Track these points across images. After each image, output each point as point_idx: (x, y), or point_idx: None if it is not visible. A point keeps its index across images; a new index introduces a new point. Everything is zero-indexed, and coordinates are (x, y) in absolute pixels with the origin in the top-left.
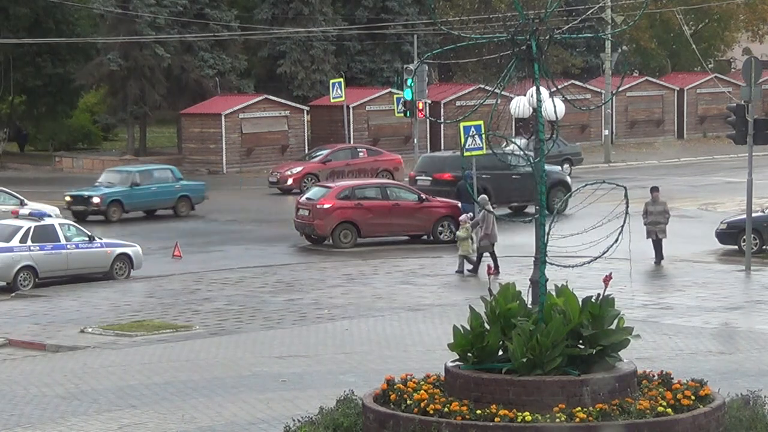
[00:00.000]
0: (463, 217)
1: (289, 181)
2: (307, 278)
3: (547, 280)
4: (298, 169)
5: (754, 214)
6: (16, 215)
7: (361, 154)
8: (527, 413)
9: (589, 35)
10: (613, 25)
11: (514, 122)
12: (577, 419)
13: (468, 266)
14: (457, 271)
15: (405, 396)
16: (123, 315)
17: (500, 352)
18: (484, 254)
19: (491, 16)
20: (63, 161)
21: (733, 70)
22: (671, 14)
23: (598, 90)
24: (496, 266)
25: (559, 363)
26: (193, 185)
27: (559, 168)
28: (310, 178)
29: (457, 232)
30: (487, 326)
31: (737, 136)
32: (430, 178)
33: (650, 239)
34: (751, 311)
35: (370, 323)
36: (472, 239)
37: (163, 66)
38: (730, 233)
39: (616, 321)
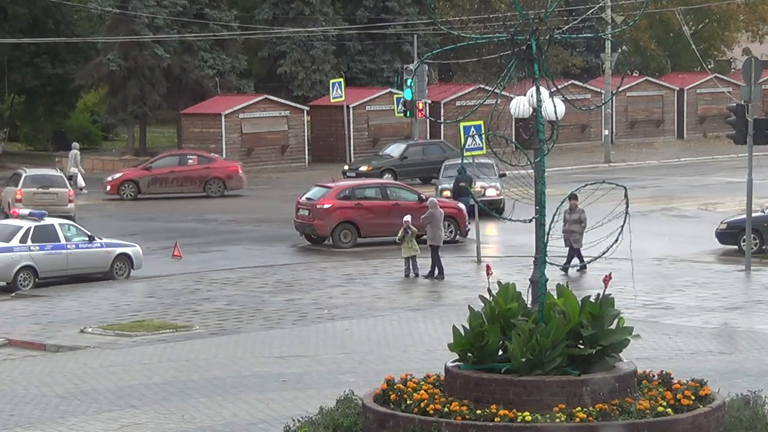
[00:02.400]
0: (407, 218)
1: (108, 188)
2: (307, 278)
3: (547, 280)
4: (118, 175)
5: (754, 214)
6: (16, 215)
7: (190, 161)
8: (527, 413)
9: (589, 35)
10: (613, 25)
11: (514, 122)
12: (577, 419)
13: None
14: (405, 276)
15: (405, 396)
16: (123, 315)
17: (500, 352)
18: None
19: (491, 16)
20: (63, 161)
21: (733, 70)
22: (671, 14)
23: (598, 90)
24: (438, 271)
25: (559, 363)
26: None
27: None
28: (128, 185)
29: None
30: (486, 326)
31: (737, 136)
32: None
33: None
34: (751, 311)
35: (370, 323)
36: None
37: (162, 66)
38: (730, 233)
39: (616, 321)
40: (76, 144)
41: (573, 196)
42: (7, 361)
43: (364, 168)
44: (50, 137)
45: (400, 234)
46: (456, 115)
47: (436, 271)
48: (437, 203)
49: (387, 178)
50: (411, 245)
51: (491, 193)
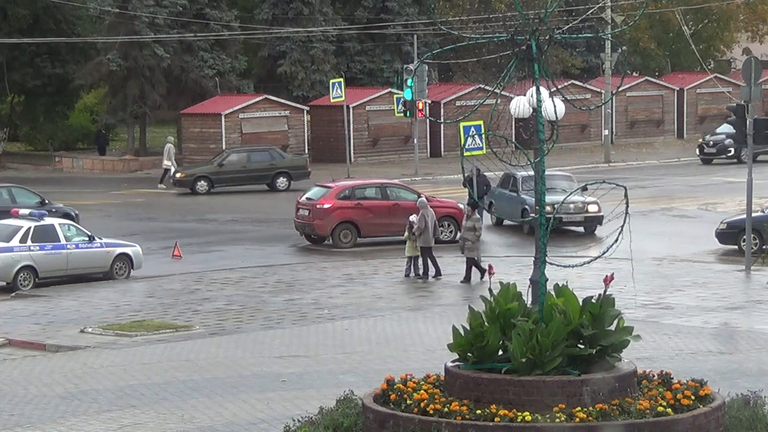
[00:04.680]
0: (412, 217)
1: None
2: (307, 278)
3: (547, 280)
4: None
5: (754, 214)
6: (16, 215)
7: None
8: (527, 413)
9: (589, 35)
10: (613, 25)
11: (514, 122)
12: (577, 419)
13: (423, 269)
14: (406, 276)
15: (405, 396)
16: (123, 315)
17: (500, 352)
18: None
19: (491, 16)
20: (63, 161)
21: (733, 70)
22: (671, 14)
23: (598, 90)
24: (424, 272)
25: (559, 363)
26: None
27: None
28: None
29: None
30: (486, 326)
31: (737, 136)
32: None
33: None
34: (751, 311)
35: (370, 323)
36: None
37: (162, 66)
38: (730, 233)
39: (616, 321)
40: (170, 138)
41: (470, 203)
42: (7, 361)
43: (178, 175)
44: (93, 138)
45: (407, 234)
46: (456, 115)
47: (433, 271)
48: (427, 203)
49: (200, 186)
50: (415, 243)
51: (593, 208)
